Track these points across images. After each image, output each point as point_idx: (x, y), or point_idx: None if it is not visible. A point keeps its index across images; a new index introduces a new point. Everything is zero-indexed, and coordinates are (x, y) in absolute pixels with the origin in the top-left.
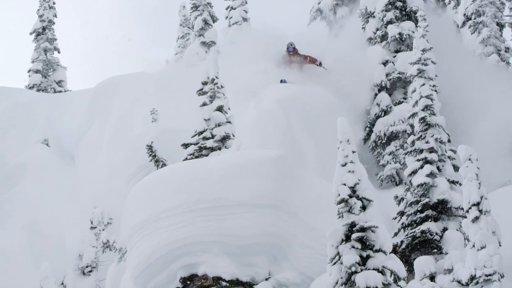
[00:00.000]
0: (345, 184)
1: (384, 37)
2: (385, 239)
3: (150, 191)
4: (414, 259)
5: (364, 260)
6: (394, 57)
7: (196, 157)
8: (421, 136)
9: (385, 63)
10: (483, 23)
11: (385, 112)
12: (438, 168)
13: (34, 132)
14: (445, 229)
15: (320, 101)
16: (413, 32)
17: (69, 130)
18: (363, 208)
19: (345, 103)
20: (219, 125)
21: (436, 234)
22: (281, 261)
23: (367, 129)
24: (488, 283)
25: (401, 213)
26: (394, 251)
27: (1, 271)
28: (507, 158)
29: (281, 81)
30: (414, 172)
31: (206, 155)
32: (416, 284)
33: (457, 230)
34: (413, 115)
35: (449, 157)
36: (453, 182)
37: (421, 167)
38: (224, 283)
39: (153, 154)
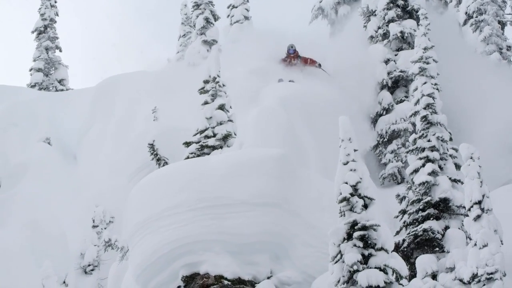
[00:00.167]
0: (347, 183)
1: (385, 36)
2: (387, 238)
3: (151, 190)
4: (416, 257)
5: (366, 259)
6: (395, 55)
7: (198, 155)
8: (422, 134)
9: (386, 62)
10: (485, 21)
11: (387, 111)
12: (440, 166)
13: (35, 130)
14: (447, 228)
15: (322, 100)
16: (415, 30)
17: (70, 128)
18: (365, 206)
19: (348, 102)
20: (220, 123)
21: (438, 232)
22: (282, 259)
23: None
24: (490, 282)
25: (403, 212)
26: (396, 249)
27: (3, 270)
28: (509, 156)
29: (279, 81)
30: (416, 171)
31: (208, 154)
32: (418, 283)
33: (459, 228)
34: (415, 113)
35: (450, 155)
36: (455, 180)
37: (423, 165)
38: (226, 282)
39: (155, 152)
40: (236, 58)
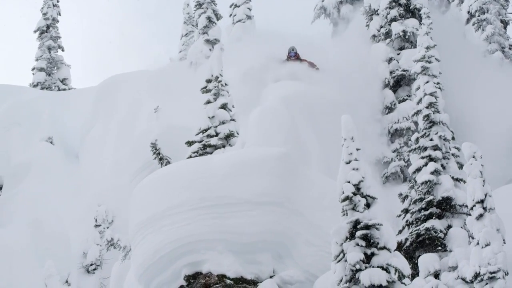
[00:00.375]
0: (349, 182)
1: (388, 35)
2: (390, 237)
3: (154, 189)
4: (419, 256)
5: (368, 258)
6: (398, 54)
7: (200, 155)
8: (425, 133)
9: (389, 61)
10: (487, 20)
11: (390, 109)
12: (442, 165)
13: (38, 130)
14: (449, 227)
15: (324, 99)
16: (417, 29)
17: (73, 128)
18: (368, 205)
19: (353, 101)
20: (223, 122)
21: (441, 231)
22: (285, 258)
23: None
24: (492, 281)
25: (406, 211)
26: (399, 248)
27: (5, 269)
28: (511, 155)
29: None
30: (418, 170)
31: (210, 153)
32: (420, 282)
33: (461, 227)
34: (417, 112)
35: (453, 154)
36: (457, 179)
37: (425, 164)
38: (228, 281)
39: (157, 152)
40: (234, 58)
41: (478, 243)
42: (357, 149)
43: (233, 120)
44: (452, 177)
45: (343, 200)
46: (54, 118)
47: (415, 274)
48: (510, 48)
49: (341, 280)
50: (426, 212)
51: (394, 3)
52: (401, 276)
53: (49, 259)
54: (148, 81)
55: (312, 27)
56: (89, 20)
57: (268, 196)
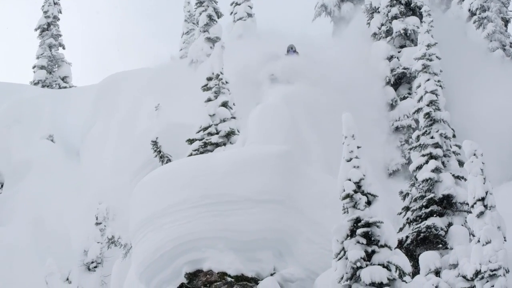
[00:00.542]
0: (350, 180)
1: (389, 33)
2: (390, 234)
3: (155, 187)
4: (419, 254)
5: (369, 256)
6: (399, 52)
7: (201, 152)
8: (426, 131)
9: (389, 58)
10: (488, 18)
11: (391, 107)
12: (443, 163)
13: (39, 128)
14: (450, 224)
15: (325, 98)
16: (418, 27)
17: (74, 126)
18: (368, 203)
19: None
20: (224, 120)
21: (441, 229)
22: (286, 256)
23: None
24: (493, 278)
25: (406, 208)
26: (399, 246)
27: (6, 267)
28: None
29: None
30: (419, 167)
31: (211, 151)
32: (421, 279)
33: (462, 225)
34: (418, 110)
35: (454, 152)
36: (458, 177)
37: (426, 162)
38: (229, 279)
39: (158, 149)
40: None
41: (478, 241)
42: (358, 147)
43: (234, 118)
44: (453, 175)
45: (344, 198)
46: (55, 116)
47: (415, 271)
48: (511, 46)
49: (342, 278)
50: (427, 210)
51: (395, 1)
52: (401, 274)
53: (50, 257)
54: (149, 79)
55: (313, 25)
56: (90, 18)
57: (269, 194)
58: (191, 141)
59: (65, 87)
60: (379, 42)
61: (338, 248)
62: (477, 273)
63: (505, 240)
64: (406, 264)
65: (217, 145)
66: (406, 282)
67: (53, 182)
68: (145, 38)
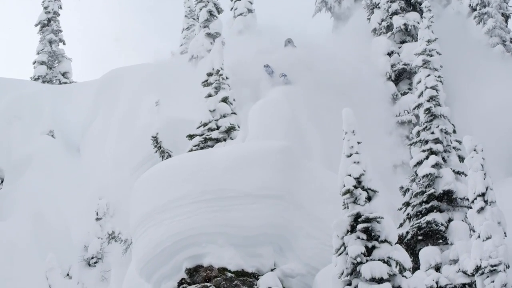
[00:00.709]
0: (350, 175)
1: (389, 28)
2: (391, 230)
3: (155, 183)
4: (420, 249)
5: (369, 251)
6: (399, 48)
7: (201, 148)
8: (426, 126)
9: (390, 54)
10: (488, 13)
11: (392, 102)
12: (443, 158)
13: (39, 123)
14: (450, 220)
15: (326, 92)
16: (418, 23)
17: (74, 121)
18: (369, 198)
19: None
20: (224, 116)
21: (442, 224)
22: (286, 251)
23: None
24: (493, 274)
25: (407, 204)
26: (400, 241)
27: (7, 262)
28: None
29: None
30: (419, 163)
31: (211, 146)
32: (421, 275)
33: (462, 220)
34: (418, 105)
35: (454, 147)
36: (458, 172)
37: (427, 157)
38: (229, 274)
39: (158, 145)
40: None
41: (479, 236)
42: (358, 143)
43: (234, 113)
44: (453, 170)
45: (344, 193)
46: (55, 112)
47: (416, 267)
48: (511, 42)
49: (342, 273)
50: (427, 205)
51: None
52: (402, 269)
53: (50, 252)
54: (149, 75)
55: (313, 20)
56: (90, 13)
57: (269, 189)
58: (191, 136)
59: (65, 83)
60: (380, 38)
61: (339, 243)
62: (478, 268)
63: (505, 236)
64: (406, 259)
65: (217, 140)
66: (407, 278)
67: (53, 177)
68: (146, 34)
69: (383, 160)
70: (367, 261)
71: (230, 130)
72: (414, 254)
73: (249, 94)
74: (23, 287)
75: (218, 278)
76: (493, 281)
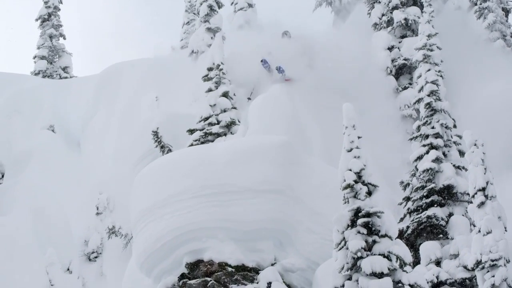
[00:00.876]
0: (350, 170)
1: (389, 23)
2: (391, 225)
3: (155, 177)
4: (420, 244)
5: (370, 246)
6: (399, 42)
7: (202, 142)
8: (426, 121)
9: (390, 49)
10: (489, 8)
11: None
12: (443, 153)
13: (39, 118)
14: (450, 215)
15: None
16: (419, 17)
17: (75, 116)
18: (369, 193)
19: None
20: (224, 111)
21: (442, 219)
22: (286, 246)
23: None
24: (493, 268)
25: (407, 199)
26: (400, 236)
27: (7, 257)
28: None
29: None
30: (419, 158)
31: (212, 141)
32: (422, 269)
33: (462, 215)
34: (419, 100)
35: (454, 142)
36: (458, 167)
37: (427, 152)
38: (229, 269)
39: (159, 140)
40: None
41: (479, 231)
42: (359, 137)
43: (235, 108)
44: (454, 165)
45: (345, 188)
46: (56, 107)
47: (416, 261)
48: (511, 36)
49: (342, 268)
50: (428, 200)
51: None
52: (402, 264)
53: (51, 247)
54: (149, 69)
55: (314, 15)
56: (90, 8)
57: (270, 184)
58: (191, 131)
59: (66, 78)
60: (380, 32)
61: (339, 238)
62: (478, 263)
63: (505, 230)
64: (406, 254)
65: (217, 135)
66: (407, 272)
67: (53, 172)
68: (146, 29)
69: (391, 158)
70: (367, 255)
71: (230, 124)
72: (414, 249)
73: (246, 90)
74: (23, 282)
75: (219, 273)
76: (493, 276)
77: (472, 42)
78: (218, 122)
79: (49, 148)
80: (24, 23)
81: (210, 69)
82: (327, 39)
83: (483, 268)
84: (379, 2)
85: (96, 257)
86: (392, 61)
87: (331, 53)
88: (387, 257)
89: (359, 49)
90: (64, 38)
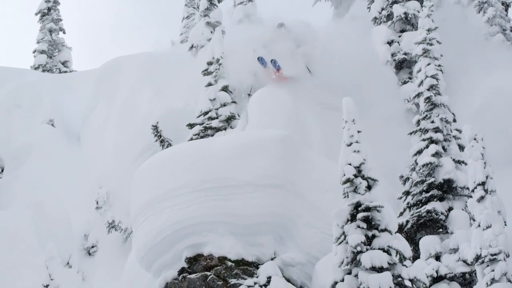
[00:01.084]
0: (350, 164)
1: (389, 17)
2: (391, 219)
3: (155, 172)
4: (420, 238)
5: (369, 240)
6: (399, 36)
7: (202, 137)
8: (426, 115)
9: (390, 43)
10: (489, 2)
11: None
12: (443, 147)
13: (39, 112)
14: (450, 209)
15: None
16: (419, 11)
17: (74, 110)
18: (369, 187)
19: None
20: (224, 105)
21: (442, 213)
22: (286, 240)
23: None
24: (493, 263)
25: (407, 193)
26: (400, 230)
27: (7, 252)
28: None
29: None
30: (419, 152)
31: (212, 135)
32: (421, 264)
33: (462, 209)
34: (419, 94)
35: (454, 136)
36: (458, 161)
37: (427, 146)
38: (229, 263)
39: (159, 134)
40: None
41: (479, 225)
42: (358, 131)
43: (234, 102)
44: (453, 159)
45: (344, 182)
46: (56, 101)
47: (416, 256)
48: (511, 31)
49: (342, 262)
50: (427, 194)
51: None
52: (402, 258)
53: (50, 241)
54: (149, 63)
55: (314, 9)
56: (90, 2)
57: (270, 178)
58: (191, 125)
59: (65, 72)
60: (380, 27)
61: (339, 232)
62: (478, 257)
63: (505, 225)
64: (406, 248)
65: (217, 129)
66: (407, 267)
67: (53, 166)
68: (146, 23)
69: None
70: (367, 250)
71: (230, 119)
72: (414, 243)
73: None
74: (23, 276)
75: (218, 267)
76: (493, 270)
77: (471, 36)
78: (218, 117)
79: (49, 143)
80: (24, 17)
81: (210, 63)
82: (326, 33)
83: (482, 262)
84: None
85: (96, 252)
86: (392, 55)
87: (330, 48)
88: (387, 251)
89: (359, 43)
90: (64, 32)
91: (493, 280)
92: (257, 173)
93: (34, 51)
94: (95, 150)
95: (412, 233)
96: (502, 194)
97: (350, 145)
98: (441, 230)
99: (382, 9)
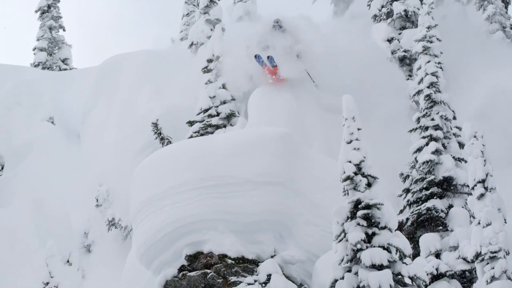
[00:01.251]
0: (350, 162)
1: (389, 14)
2: (391, 216)
3: (155, 169)
4: (420, 236)
5: (369, 238)
6: (399, 34)
7: (201, 134)
8: (426, 113)
9: (390, 40)
10: (488, 0)
11: None
12: (443, 145)
13: (39, 110)
14: (450, 206)
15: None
16: (419, 9)
17: (74, 108)
18: (369, 185)
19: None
20: (224, 102)
21: (442, 211)
22: (286, 238)
23: None
24: (493, 260)
25: (407, 190)
26: (400, 228)
27: (7, 249)
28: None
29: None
30: (419, 149)
31: (211, 133)
32: (421, 261)
33: (462, 207)
34: (418, 92)
35: (454, 134)
36: (458, 159)
37: (427, 144)
38: (229, 261)
39: (158, 131)
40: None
41: (479, 223)
42: (359, 129)
43: (234, 99)
44: (453, 157)
45: (344, 180)
46: (56, 98)
47: (416, 253)
48: (511, 28)
49: (342, 260)
50: (427, 192)
51: None
52: (402, 256)
53: (50, 239)
54: (149, 61)
55: (314, 7)
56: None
57: (270, 176)
58: (191, 123)
59: (65, 69)
60: (380, 24)
61: (339, 230)
62: (477, 255)
63: (505, 222)
64: (406, 246)
65: (217, 127)
66: (407, 264)
67: (53, 164)
68: (145, 20)
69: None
70: (367, 247)
71: (230, 116)
72: (414, 241)
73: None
74: (23, 273)
75: (218, 265)
76: (493, 268)
77: (471, 34)
78: (218, 114)
79: (49, 140)
80: (24, 14)
81: (209, 61)
82: (327, 30)
83: (482, 260)
84: None
85: (96, 249)
86: (392, 53)
87: (332, 46)
88: (387, 249)
89: (361, 40)
90: (64, 30)
91: (493, 278)
92: (257, 171)
93: (34, 49)
94: (95, 148)
95: (412, 230)
96: (503, 194)
97: (350, 142)
98: (441, 227)
99: (382, 6)
